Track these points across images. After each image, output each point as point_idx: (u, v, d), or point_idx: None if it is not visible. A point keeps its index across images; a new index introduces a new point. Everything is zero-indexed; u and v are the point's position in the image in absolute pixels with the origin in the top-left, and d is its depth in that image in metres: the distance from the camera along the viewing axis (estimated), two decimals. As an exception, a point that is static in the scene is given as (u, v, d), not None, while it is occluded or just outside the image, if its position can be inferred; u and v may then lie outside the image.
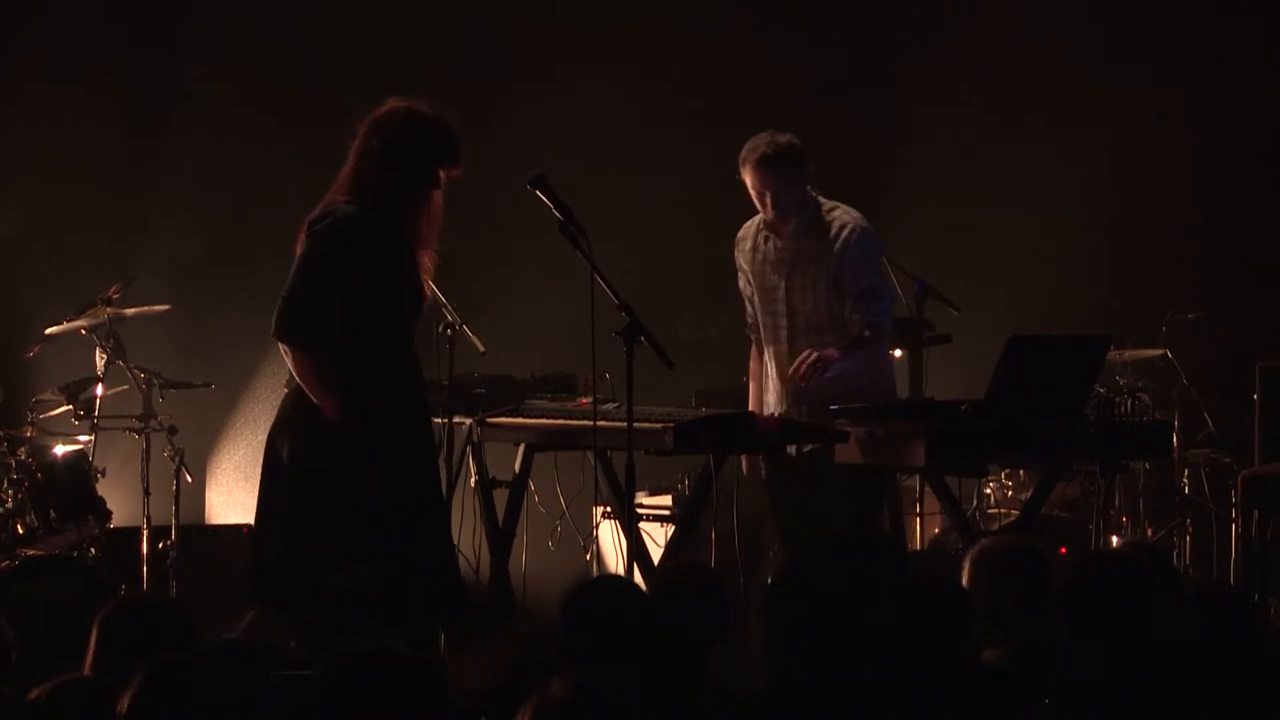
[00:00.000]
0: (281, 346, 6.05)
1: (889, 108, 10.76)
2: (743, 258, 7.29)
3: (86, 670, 4.05)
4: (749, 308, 7.34)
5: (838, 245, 7.06)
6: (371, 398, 5.99)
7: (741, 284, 7.35)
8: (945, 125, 10.60)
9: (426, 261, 6.12)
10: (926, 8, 10.87)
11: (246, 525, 9.15)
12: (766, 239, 7.20)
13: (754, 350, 7.37)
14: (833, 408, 6.83)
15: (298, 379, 6.03)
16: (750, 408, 7.27)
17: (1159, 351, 9.37)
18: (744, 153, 7.08)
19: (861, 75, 10.81)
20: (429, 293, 6.23)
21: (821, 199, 7.16)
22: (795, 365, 6.97)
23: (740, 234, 7.32)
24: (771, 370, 7.22)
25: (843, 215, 7.13)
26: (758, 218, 7.25)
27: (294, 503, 6.01)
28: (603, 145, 10.24)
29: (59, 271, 9.54)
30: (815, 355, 6.94)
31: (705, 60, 10.70)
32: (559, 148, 9.17)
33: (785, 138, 7.07)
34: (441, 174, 6.03)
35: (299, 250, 6.04)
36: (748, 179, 7.09)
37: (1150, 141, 10.31)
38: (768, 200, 7.08)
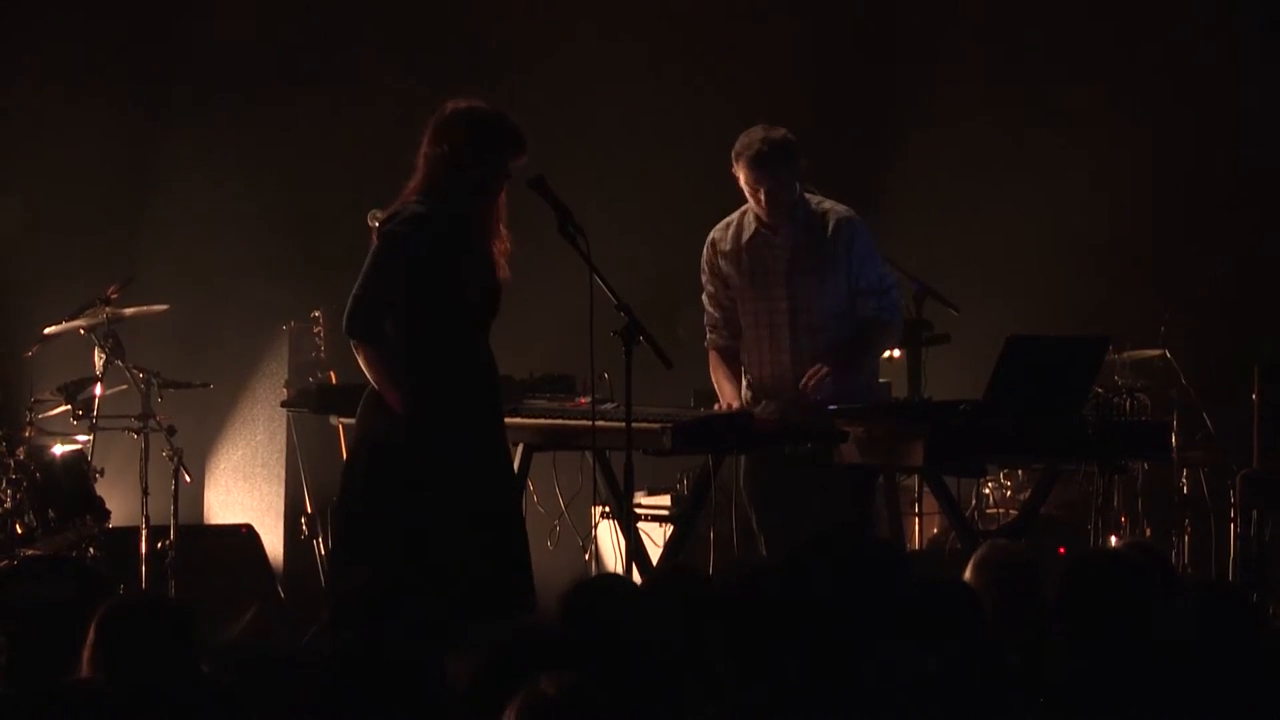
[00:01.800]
0: (351, 343, 6.13)
1: (890, 109, 10.76)
2: (721, 260, 7.11)
3: (84, 669, 4.05)
4: (713, 312, 7.17)
5: (839, 240, 6.96)
6: (441, 393, 6.05)
7: (710, 287, 7.16)
8: (946, 126, 10.60)
9: (501, 252, 6.18)
10: (929, 14, 10.87)
11: (245, 525, 9.17)
12: (757, 237, 7.04)
13: (715, 356, 7.18)
14: (831, 407, 6.81)
15: (367, 374, 6.11)
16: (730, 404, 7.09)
17: (1158, 352, 9.36)
18: (737, 148, 6.92)
19: (863, 77, 10.80)
20: (504, 275, 6.23)
21: (807, 193, 7.04)
22: (805, 379, 6.88)
23: (715, 235, 7.14)
24: (763, 370, 7.10)
25: (834, 209, 7.02)
26: (735, 216, 7.11)
27: (361, 494, 6.09)
28: (601, 146, 10.24)
29: (58, 271, 9.52)
30: (825, 369, 6.86)
31: (706, 61, 10.71)
32: (558, 149, 9.15)
33: (779, 133, 6.92)
34: (510, 165, 6.12)
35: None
36: (741, 175, 6.93)
37: (1149, 143, 10.31)
38: (762, 197, 6.95)
